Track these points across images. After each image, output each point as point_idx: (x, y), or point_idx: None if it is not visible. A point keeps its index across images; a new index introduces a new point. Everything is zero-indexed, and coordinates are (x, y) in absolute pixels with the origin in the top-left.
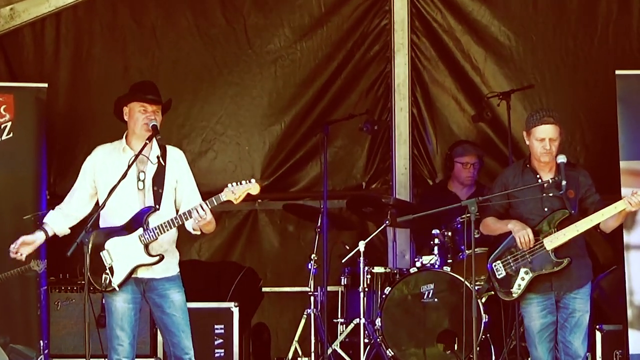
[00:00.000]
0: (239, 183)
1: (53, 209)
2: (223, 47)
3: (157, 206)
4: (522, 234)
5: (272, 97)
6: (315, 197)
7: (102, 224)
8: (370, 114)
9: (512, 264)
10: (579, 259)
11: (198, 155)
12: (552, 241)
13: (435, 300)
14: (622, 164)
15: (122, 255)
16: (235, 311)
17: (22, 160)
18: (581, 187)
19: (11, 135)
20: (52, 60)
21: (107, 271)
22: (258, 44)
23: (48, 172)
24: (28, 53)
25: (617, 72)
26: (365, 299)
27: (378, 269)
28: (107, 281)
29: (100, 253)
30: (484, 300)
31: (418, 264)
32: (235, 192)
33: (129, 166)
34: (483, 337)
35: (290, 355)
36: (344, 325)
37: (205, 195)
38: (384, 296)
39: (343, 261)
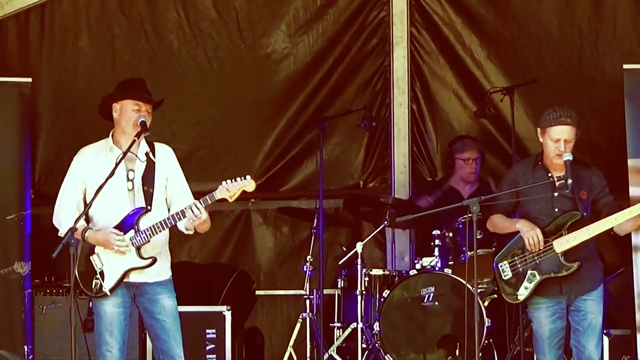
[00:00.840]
0: (233, 180)
1: (38, 208)
2: (214, 41)
3: (149, 207)
4: (532, 235)
5: (266, 93)
6: (310, 197)
7: (93, 227)
8: (368, 109)
9: (519, 266)
10: (589, 262)
11: (188, 153)
12: (562, 244)
13: (436, 303)
14: (630, 162)
15: (112, 259)
16: (228, 315)
17: (5, 157)
18: (594, 187)
19: None
20: (37, 54)
21: (98, 276)
22: (251, 37)
23: (32, 171)
24: (11, 46)
25: (625, 66)
26: (362, 302)
27: (376, 271)
28: (98, 286)
29: (90, 257)
30: (486, 303)
31: (418, 266)
32: (229, 190)
33: (117, 164)
34: (485, 342)
35: None
36: (341, 330)
37: (196, 195)
38: (382, 299)
39: (340, 263)
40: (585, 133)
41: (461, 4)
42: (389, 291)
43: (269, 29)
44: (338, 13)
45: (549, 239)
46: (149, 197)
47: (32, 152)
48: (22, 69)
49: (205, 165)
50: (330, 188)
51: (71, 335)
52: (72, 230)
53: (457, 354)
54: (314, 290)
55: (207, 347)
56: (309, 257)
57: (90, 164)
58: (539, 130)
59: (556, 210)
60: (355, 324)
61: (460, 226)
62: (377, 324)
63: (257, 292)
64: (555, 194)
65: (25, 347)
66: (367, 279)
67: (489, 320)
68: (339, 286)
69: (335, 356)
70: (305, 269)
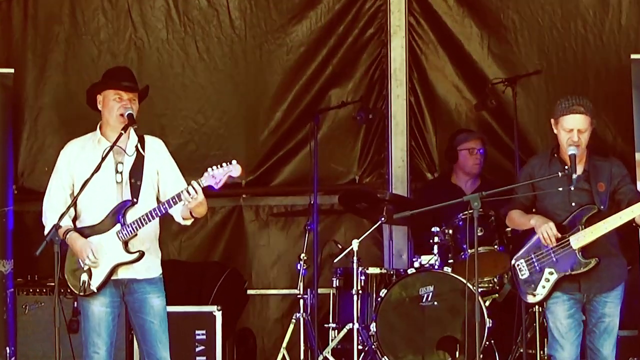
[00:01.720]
0: (218, 166)
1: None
2: (204, 30)
3: (135, 200)
4: (545, 229)
5: (258, 85)
6: (304, 192)
7: (81, 222)
8: (365, 101)
9: (536, 264)
10: (610, 258)
11: (177, 147)
12: (579, 240)
13: (435, 303)
14: (638, 156)
15: (99, 255)
16: (218, 315)
17: None
18: (614, 178)
19: None
20: (20, 44)
21: (85, 274)
22: (242, 27)
23: (15, 165)
24: None
25: (633, 56)
26: (359, 302)
27: (373, 270)
28: (86, 284)
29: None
30: (487, 303)
31: (416, 265)
32: (215, 177)
33: (103, 158)
34: (487, 343)
35: None
36: (336, 331)
37: None
38: (379, 299)
39: (335, 261)
40: None
41: None
42: (386, 290)
43: (261, 19)
44: (333, 1)
45: (566, 235)
46: (136, 189)
47: (15, 145)
48: (5, 59)
49: (195, 160)
50: (325, 183)
51: (55, 336)
52: (56, 227)
53: (457, 355)
54: (308, 290)
55: (197, 349)
56: (302, 255)
57: (77, 158)
58: (552, 121)
59: (573, 204)
60: (351, 324)
61: (460, 223)
62: (373, 324)
63: (249, 292)
64: (572, 188)
65: (7, 348)
66: (363, 277)
67: (491, 321)
68: (334, 285)
69: (330, 358)
70: (299, 268)
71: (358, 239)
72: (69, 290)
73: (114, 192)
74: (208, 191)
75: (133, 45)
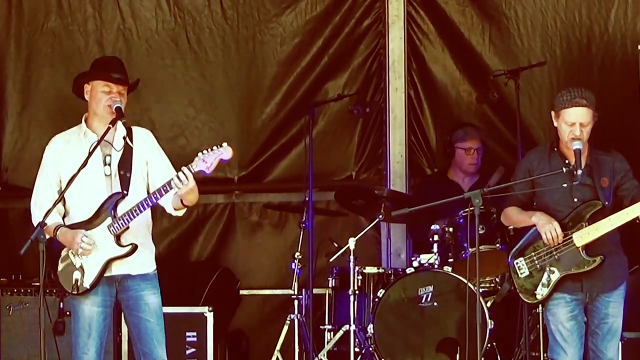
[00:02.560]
0: (209, 150)
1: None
2: (195, 20)
3: (125, 192)
4: (549, 229)
5: (251, 77)
6: (299, 189)
7: (70, 219)
8: (362, 94)
9: (536, 262)
10: (612, 256)
11: (167, 141)
12: (583, 237)
13: (435, 304)
14: None
15: (91, 252)
16: (210, 316)
17: None
18: (616, 173)
19: None
20: (3, 35)
21: (77, 271)
22: (234, 17)
23: None
24: None
25: None
26: (355, 302)
27: (370, 269)
28: (79, 282)
29: (69, 253)
30: (489, 304)
31: (415, 264)
32: (206, 161)
33: (90, 153)
34: (489, 345)
35: None
36: (332, 333)
37: None
38: (376, 300)
39: (331, 260)
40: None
41: None
42: (384, 291)
43: (254, 8)
44: None
45: (569, 232)
46: (125, 181)
47: None
48: None
49: (185, 155)
50: (320, 179)
51: (40, 338)
52: (42, 225)
53: (457, 358)
54: (303, 290)
55: (187, 351)
56: (297, 253)
57: (62, 153)
58: (553, 113)
59: (575, 200)
60: (347, 326)
61: (461, 221)
62: (371, 326)
63: (242, 292)
64: (574, 183)
65: None
66: (360, 277)
67: (492, 322)
68: (330, 285)
69: None
70: (293, 267)
71: (355, 237)
72: (54, 291)
73: (103, 185)
74: (199, 187)
75: (121, 36)
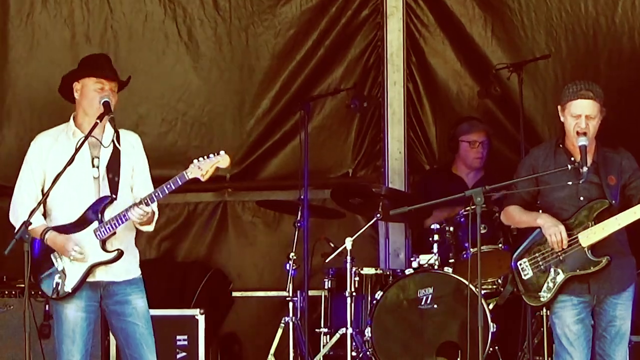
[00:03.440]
0: (205, 157)
1: None
2: (186, 12)
3: (114, 196)
4: (554, 232)
5: (244, 70)
6: (294, 187)
7: (52, 219)
8: (359, 89)
9: (540, 263)
10: (620, 257)
11: (157, 138)
12: (589, 237)
13: (435, 306)
14: None
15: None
16: (201, 319)
17: None
18: (624, 172)
19: None
20: None
21: (58, 275)
22: (227, 8)
23: None
24: None
25: None
26: (352, 305)
27: (368, 270)
28: (60, 286)
29: (51, 255)
30: (491, 306)
31: (415, 264)
32: (202, 168)
33: (77, 149)
34: (490, 349)
35: None
36: (328, 336)
37: (164, 182)
38: (374, 302)
39: (327, 261)
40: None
41: None
42: (382, 292)
43: None
44: None
45: (574, 231)
46: (114, 185)
47: None
48: None
49: (175, 152)
50: (316, 177)
51: (25, 342)
52: (26, 224)
53: None
54: (298, 292)
55: (178, 356)
56: (292, 254)
57: (49, 151)
58: (559, 107)
59: (581, 199)
60: (344, 329)
61: (462, 220)
62: (368, 329)
63: (234, 294)
64: (580, 182)
65: None
66: (357, 278)
67: (494, 325)
68: (326, 287)
69: None
70: (288, 268)
71: (352, 236)
72: (40, 293)
73: (90, 187)
74: (190, 185)
75: (109, 28)
